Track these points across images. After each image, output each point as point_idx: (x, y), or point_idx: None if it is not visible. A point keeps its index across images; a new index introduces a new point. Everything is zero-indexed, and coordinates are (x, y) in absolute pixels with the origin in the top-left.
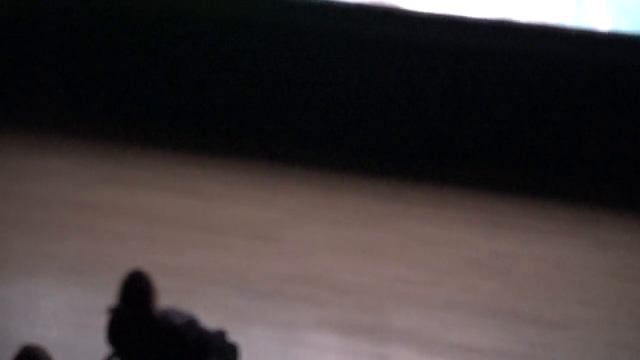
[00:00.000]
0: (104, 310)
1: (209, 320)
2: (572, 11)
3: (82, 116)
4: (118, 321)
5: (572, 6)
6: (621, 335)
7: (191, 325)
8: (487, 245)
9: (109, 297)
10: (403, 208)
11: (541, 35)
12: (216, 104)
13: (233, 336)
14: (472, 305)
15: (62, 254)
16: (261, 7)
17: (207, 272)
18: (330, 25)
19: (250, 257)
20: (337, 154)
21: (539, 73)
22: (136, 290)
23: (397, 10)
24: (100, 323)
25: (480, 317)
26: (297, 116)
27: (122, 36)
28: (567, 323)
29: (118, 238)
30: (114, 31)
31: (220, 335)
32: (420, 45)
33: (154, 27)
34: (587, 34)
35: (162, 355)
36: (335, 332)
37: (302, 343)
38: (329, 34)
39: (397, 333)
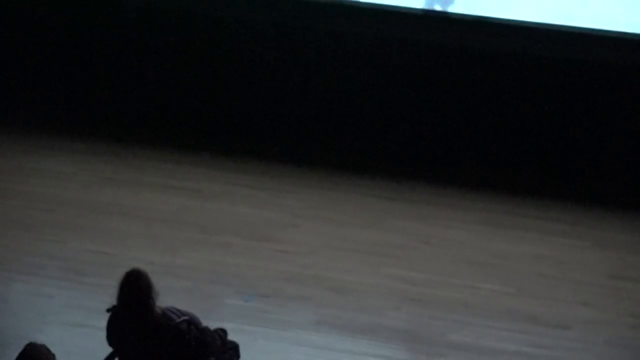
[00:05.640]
0: (104, 310)
1: (209, 320)
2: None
3: (82, 116)
4: (118, 321)
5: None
6: (621, 335)
7: (191, 324)
8: (487, 245)
9: (109, 297)
10: (403, 208)
11: (541, 35)
12: (216, 104)
13: (233, 336)
14: (472, 305)
15: (62, 254)
16: (261, 7)
17: (207, 272)
18: (330, 25)
19: (250, 257)
20: (337, 154)
21: (539, 73)
22: (135, 289)
23: (397, 9)
24: (100, 323)
25: (480, 317)
26: (298, 116)
27: (122, 36)
28: (567, 323)
29: (118, 238)
30: (114, 31)
31: (220, 334)
32: (421, 45)
33: (154, 27)
34: (586, 33)
35: (162, 355)
36: (335, 332)
37: (302, 343)
38: (328, 34)
39: (397, 333)
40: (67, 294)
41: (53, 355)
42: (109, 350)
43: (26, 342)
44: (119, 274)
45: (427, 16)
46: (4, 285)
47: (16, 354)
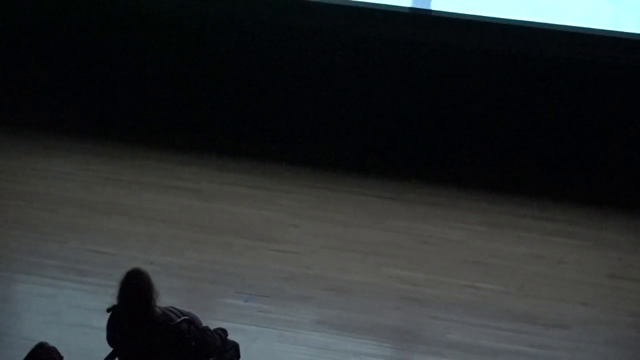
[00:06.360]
0: (104, 310)
1: (209, 320)
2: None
3: (82, 116)
4: (118, 321)
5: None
6: (621, 335)
7: (191, 324)
8: (487, 245)
9: (109, 297)
10: (403, 208)
11: (542, 35)
12: (216, 103)
13: (233, 336)
14: (472, 305)
15: (62, 254)
16: (262, 7)
17: (207, 272)
18: (330, 25)
19: (250, 257)
20: (337, 154)
21: (539, 73)
22: (136, 289)
23: (397, 9)
24: (100, 323)
25: (480, 317)
26: (297, 116)
27: (122, 36)
28: (567, 323)
29: (118, 238)
30: (114, 31)
31: (220, 334)
32: (420, 45)
33: (154, 27)
34: (586, 34)
35: (163, 355)
36: (335, 332)
37: (302, 343)
38: (329, 34)
39: (397, 333)
40: (67, 294)
41: (61, 358)
42: (109, 350)
43: (26, 342)
44: (119, 274)
45: (427, 17)
46: (4, 285)
47: (17, 354)
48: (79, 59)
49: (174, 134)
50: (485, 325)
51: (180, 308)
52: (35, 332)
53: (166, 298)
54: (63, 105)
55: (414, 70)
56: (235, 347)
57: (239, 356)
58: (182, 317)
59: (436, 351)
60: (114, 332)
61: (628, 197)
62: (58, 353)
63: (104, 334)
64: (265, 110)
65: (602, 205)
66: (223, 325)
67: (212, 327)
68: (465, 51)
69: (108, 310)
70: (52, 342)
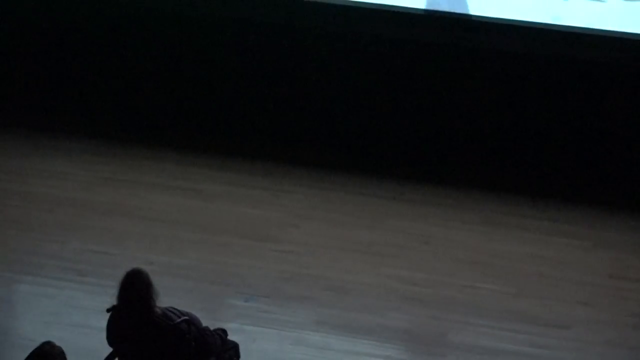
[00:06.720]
0: (104, 310)
1: (209, 320)
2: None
3: (82, 116)
4: (118, 321)
5: None
6: (621, 335)
7: (191, 324)
8: (487, 245)
9: (109, 297)
10: (403, 208)
11: (542, 35)
12: (216, 104)
13: (233, 336)
14: (472, 305)
15: (62, 254)
16: (263, 7)
17: (207, 272)
18: (330, 25)
19: (250, 257)
20: (337, 154)
21: (539, 73)
22: (136, 289)
23: (397, 9)
24: (100, 323)
25: (480, 317)
26: (297, 116)
27: (122, 36)
28: (567, 323)
29: (118, 238)
30: (114, 31)
31: (220, 334)
32: (420, 44)
33: (154, 27)
34: (586, 34)
35: (162, 355)
36: (335, 332)
37: (302, 343)
38: (328, 34)
39: (397, 333)
40: (67, 294)
41: (63, 355)
42: (109, 350)
43: (27, 342)
44: (119, 274)
45: (427, 16)
46: (4, 286)
47: (17, 355)
48: (78, 58)
49: (174, 134)
50: (485, 325)
51: (180, 308)
52: (36, 333)
53: (166, 298)
54: (63, 105)
55: (414, 70)
56: (235, 347)
57: (239, 356)
58: (182, 317)
59: (436, 351)
60: (114, 332)
61: (628, 197)
62: (63, 353)
63: (104, 334)
64: (265, 110)
65: (602, 205)
66: (223, 325)
67: (212, 327)
68: (464, 51)
69: (108, 310)
70: None
